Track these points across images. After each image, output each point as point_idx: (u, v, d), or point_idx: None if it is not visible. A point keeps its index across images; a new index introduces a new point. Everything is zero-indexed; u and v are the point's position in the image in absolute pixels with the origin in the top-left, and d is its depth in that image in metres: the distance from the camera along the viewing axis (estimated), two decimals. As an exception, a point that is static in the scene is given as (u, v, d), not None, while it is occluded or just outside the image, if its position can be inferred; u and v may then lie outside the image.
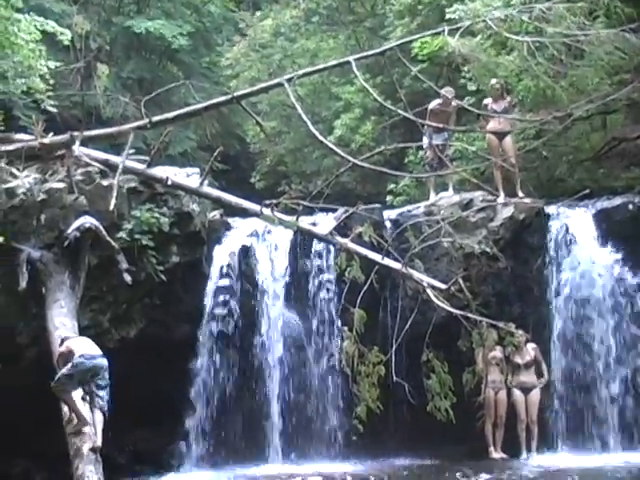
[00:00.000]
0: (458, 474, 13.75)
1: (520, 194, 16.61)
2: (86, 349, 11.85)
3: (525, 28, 16.12)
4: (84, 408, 11.67)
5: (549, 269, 15.92)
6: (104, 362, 11.81)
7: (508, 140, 16.73)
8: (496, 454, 15.17)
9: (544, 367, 15.36)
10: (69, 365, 11.58)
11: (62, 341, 12.19)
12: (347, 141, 23.86)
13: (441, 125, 16.39)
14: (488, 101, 17.01)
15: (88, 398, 11.72)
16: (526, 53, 15.46)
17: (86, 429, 11.53)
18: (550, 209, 16.38)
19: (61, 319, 13.16)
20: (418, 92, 20.00)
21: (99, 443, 11.44)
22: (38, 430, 13.75)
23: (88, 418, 11.59)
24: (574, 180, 18.35)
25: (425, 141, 17.11)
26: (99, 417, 11.65)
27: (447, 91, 17.04)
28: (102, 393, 11.71)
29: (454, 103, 16.96)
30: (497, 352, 15.00)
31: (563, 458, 14.84)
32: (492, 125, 16.83)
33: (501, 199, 16.30)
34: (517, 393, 15.28)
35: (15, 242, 13.80)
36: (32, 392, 13.25)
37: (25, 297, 13.77)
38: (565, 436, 15.41)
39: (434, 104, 16.98)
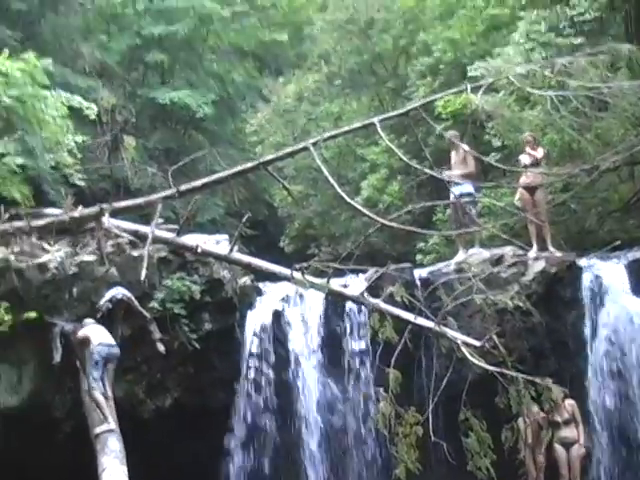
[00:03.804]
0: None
1: (551, 248, 16.54)
2: (102, 338, 13.08)
3: (548, 83, 16.16)
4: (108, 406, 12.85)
5: (584, 322, 15.78)
6: (117, 351, 13.14)
7: (539, 194, 16.67)
8: (539, 511, 14.97)
9: (581, 429, 15.14)
10: (92, 355, 12.85)
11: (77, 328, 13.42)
12: (374, 201, 23.90)
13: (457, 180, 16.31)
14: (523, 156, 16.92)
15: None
16: (550, 107, 15.50)
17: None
18: (582, 262, 16.26)
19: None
20: (443, 150, 20.05)
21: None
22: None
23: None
24: (604, 231, 18.28)
25: (451, 197, 17.04)
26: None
27: (451, 135, 16.99)
28: (107, 382, 13.05)
29: (464, 147, 16.87)
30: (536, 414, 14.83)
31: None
32: (523, 179, 16.76)
33: (532, 253, 16.23)
34: (559, 449, 15.09)
35: (48, 316, 13.84)
36: (69, 468, 13.26)
37: (60, 371, 13.78)
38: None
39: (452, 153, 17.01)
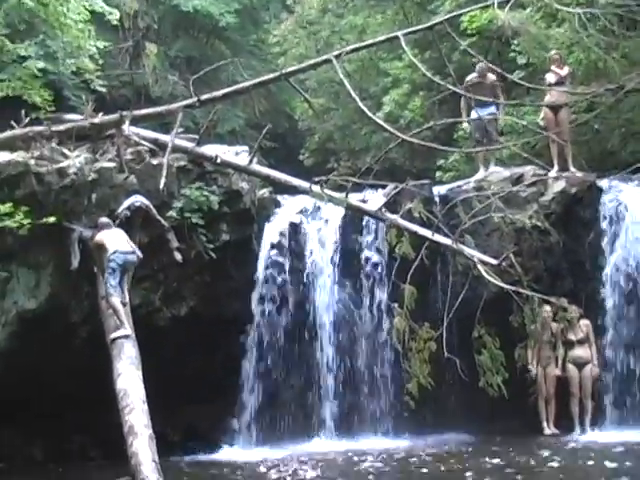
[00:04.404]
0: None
1: (572, 168, 16.44)
2: (119, 245, 13.09)
3: (576, -1, 15.93)
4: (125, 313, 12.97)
5: (601, 243, 15.74)
6: (135, 258, 13.20)
7: (563, 113, 16.52)
8: (548, 430, 15.10)
9: (594, 349, 15.20)
10: (108, 263, 12.92)
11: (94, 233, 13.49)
12: (396, 117, 23.77)
13: (483, 98, 16.20)
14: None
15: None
16: (577, 25, 15.26)
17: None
18: (602, 183, 16.17)
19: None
20: (467, 66, 19.80)
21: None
22: (94, 408, 13.85)
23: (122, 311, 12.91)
24: (626, 153, 18.14)
25: (473, 115, 16.94)
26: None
27: (482, 67, 16.84)
28: (125, 287, 13.18)
29: (491, 77, 16.74)
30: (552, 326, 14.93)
31: (617, 434, 14.70)
32: (547, 98, 16.63)
33: (553, 173, 16.15)
34: (571, 368, 15.19)
35: (66, 221, 13.89)
36: (85, 373, 13.40)
37: (77, 276, 13.87)
38: (618, 412, 15.26)
39: (470, 77, 16.85)
